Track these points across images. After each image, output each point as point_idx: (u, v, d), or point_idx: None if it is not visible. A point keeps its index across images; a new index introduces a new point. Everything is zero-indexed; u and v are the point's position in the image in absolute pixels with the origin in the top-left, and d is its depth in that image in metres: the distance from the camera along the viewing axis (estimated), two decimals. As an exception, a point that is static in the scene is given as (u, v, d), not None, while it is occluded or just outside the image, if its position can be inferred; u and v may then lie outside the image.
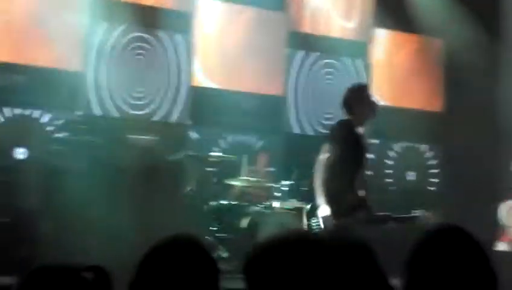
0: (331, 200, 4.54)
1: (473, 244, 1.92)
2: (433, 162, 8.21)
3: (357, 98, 4.76)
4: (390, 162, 7.94)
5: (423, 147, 8.18)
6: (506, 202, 6.25)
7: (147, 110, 6.92)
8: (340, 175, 4.60)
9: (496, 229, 6.15)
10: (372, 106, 4.82)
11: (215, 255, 6.21)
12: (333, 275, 0.96)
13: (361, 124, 4.77)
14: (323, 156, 4.61)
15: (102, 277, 1.75)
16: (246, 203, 6.26)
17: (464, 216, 5.62)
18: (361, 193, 4.74)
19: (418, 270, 1.87)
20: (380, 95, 8.13)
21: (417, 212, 5.36)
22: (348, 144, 4.64)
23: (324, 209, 4.53)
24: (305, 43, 7.71)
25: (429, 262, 1.88)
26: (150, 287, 1.61)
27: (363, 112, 4.72)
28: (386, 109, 8.01)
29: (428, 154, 8.20)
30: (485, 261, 1.87)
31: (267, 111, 7.30)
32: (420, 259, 1.89)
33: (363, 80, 7.56)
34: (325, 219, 4.53)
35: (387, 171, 7.86)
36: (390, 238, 5.26)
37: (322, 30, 7.79)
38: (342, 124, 4.75)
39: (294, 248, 0.99)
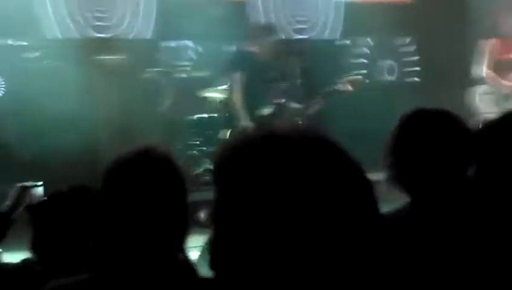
0: None
1: (455, 122, 1.89)
2: (409, 52, 8.11)
3: None
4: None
5: (397, 39, 8.07)
6: (477, 88, 6.03)
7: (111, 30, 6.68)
8: None
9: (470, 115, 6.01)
10: None
11: (202, 168, 6.17)
12: (306, 170, 0.88)
13: None
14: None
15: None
16: (226, 115, 6.16)
17: (440, 103, 5.59)
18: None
19: (404, 152, 1.85)
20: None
21: (340, 83, 5.63)
22: None
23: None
24: None
25: (414, 142, 1.85)
26: (114, 197, 1.53)
27: None
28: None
29: (404, 46, 8.10)
30: (468, 138, 1.86)
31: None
32: (404, 141, 1.86)
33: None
34: None
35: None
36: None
37: None
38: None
39: (261, 145, 0.89)
